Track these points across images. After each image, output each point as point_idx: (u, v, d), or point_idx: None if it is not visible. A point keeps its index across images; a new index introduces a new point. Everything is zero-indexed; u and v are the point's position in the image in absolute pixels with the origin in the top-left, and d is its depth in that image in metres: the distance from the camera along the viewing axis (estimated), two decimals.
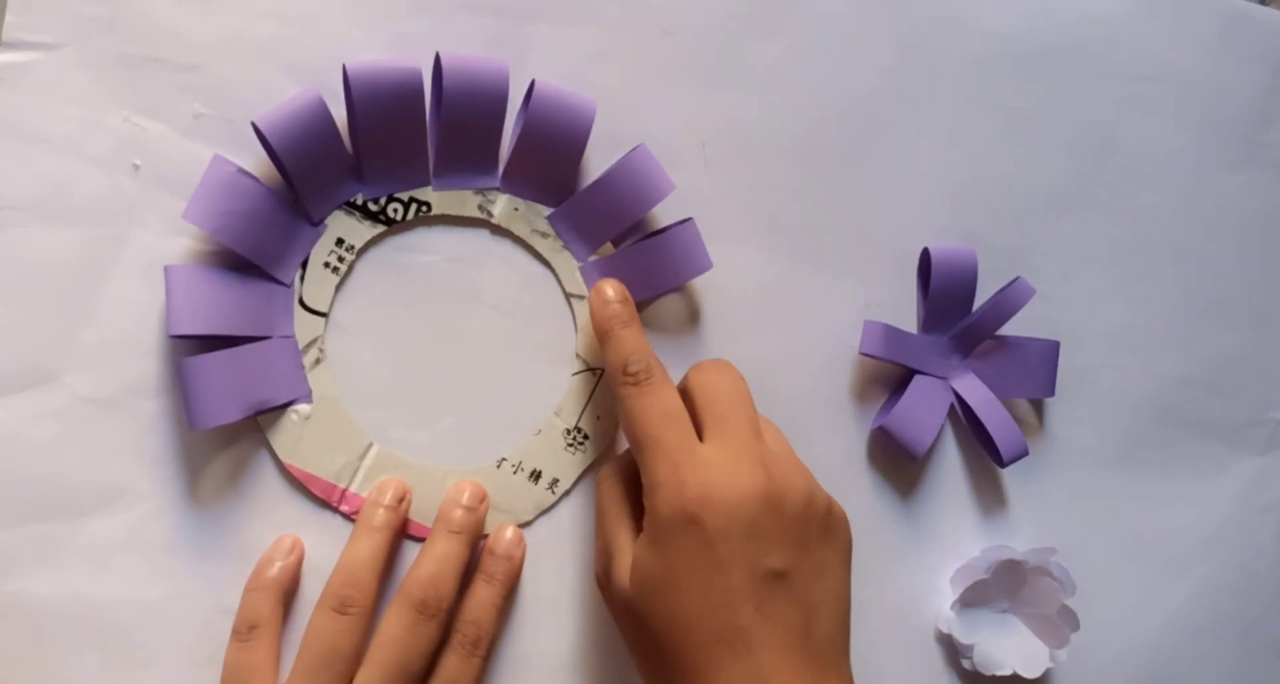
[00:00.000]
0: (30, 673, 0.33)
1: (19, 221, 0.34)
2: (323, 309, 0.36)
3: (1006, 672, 0.41)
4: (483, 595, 0.35)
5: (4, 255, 0.34)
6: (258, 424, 0.35)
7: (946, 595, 0.42)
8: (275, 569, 0.34)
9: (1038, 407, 0.44)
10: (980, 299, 0.43)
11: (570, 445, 0.38)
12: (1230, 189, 0.47)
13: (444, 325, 0.38)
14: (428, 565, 0.34)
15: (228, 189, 0.34)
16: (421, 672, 0.34)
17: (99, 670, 0.34)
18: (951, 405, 0.42)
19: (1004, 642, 0.42)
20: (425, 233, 0.37)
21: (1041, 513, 0.44)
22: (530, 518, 0.38)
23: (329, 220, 0.36)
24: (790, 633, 0.30)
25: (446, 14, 0.38)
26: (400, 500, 0.36)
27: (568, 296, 0.39)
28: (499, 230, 0.38)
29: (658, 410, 0.32)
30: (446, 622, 0.34)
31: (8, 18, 0.34)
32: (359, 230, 0.37)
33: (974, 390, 0.42)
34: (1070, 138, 0.45)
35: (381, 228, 0.37)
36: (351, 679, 0.33)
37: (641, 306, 0.39)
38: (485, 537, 0.37)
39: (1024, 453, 0.42)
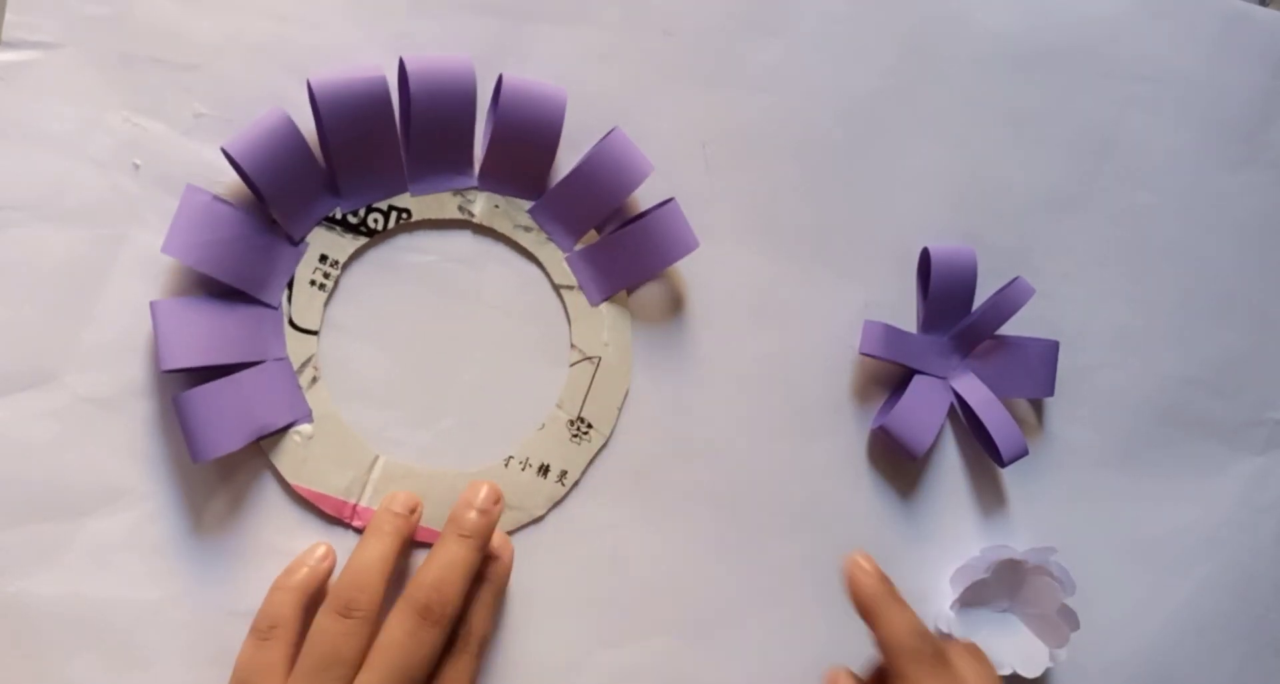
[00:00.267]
0: (30, 673, 0.33)
1: (19, 221, 0.34)
2: (313, 328, 0.36)
3: (1006, 672, 0.41)
4: (473, 594, 0.35)
5: (4, 255, 0.34)
6: (259, 445, 0.35)
7: (946, 595, 0.42)
8: (304, 572, 0.34)
9: (1038, 407, 0.44)
10: (980, 299, 0.43)
11: (575, 436, 0.38)
12: (1230, 189, 0.47)
13: (437, 327, 0.38)
14: (434, 570, 0.34)
15: (204, 219, 0.33)
16: (423, 678, 0.33)
17: (99, 671, 0.34)
18: (951, 405, 0.42)
19: (1004, 641, 0.42)
20: (407, 239, 0.37)
21: (1041, 513, 0.44)
22: (543, 512, 0.38)
23: (310, 238, 0.36)
24: None
25: (446, 14, 0.38)
26: (412, 511, 0.35)
27: (557, 288, 0.39)
28: (481, 229, 0.38)
29: None
30: (450, 628, 0.34)
31: (8, 17, 0.34)
32: (341, 244, 0.36)
33: (974, 390, 0.42)
34: (1070, 138, 0.45)
35: (364, 240, 0.37)
36: (352, 683, 0.33)
37: (632, 290, 0.39)
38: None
39: (1024, 453, 0.42)
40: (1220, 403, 0.47)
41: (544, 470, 0.38)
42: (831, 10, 0.42)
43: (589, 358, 0.39)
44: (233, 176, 0.35)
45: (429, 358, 0.37)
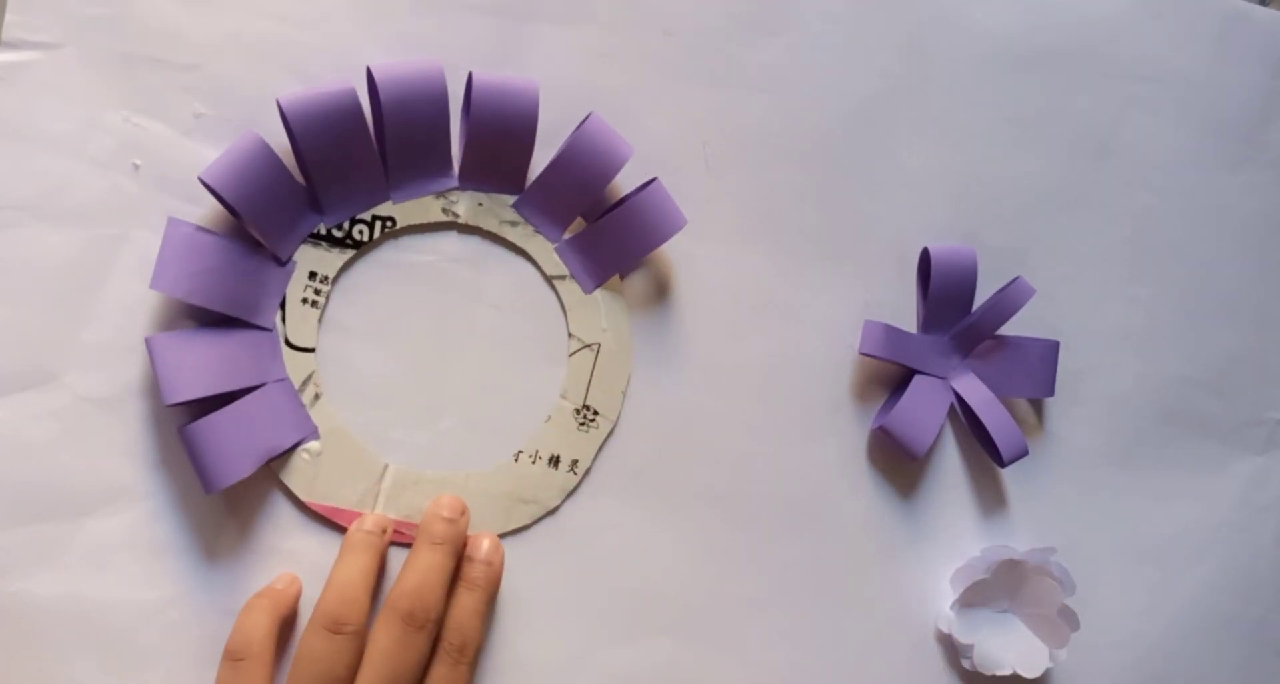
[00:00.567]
0: (30, 673, 0.33)
1: (19, 221, 0.34)
2: (310, 346, 0.36)
3: (1006, 671, 0.41)
4: (465, 602, 0.35)
5: (4, 255, 0.34)
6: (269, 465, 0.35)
7: (946, 595, 0.42)
8: (275, 593, 0.34)
9: (1038, 407, 0.44)
10: (980, 299, 0.43)
11: (582, 424, 0.38)
12: (1230, 189, 0.47)
13: (433, 328, 0.38)
14: (413, 577, 0.34)
15: (189, 250, 0.33)
16: (414, 683, 0.34)
17: (99, 671, 0.34)
18: (951, 405, 0.42)
19: (1004, 641, 0.42)
20: (395, 246, 0.37)
21: (1041, 513, 0.44)
22: (558, 503, 0.38)
23: (297, 256, 0.36)
24: None
25: (447, 14, 0.38)
26: (383, 531, 0.36)
27: (549, 279, 0.39)
28: (468, 229, 0.38)
29: None
30: (435, 632, 0.34)
31: (8, 18, 0.34)
32: (329, 259, 0.36)
33: (974, 390, 0.42)
34: (1070, 138, 0.45)
35: (351, 252, 0.37)
36: None
37: (625, 275, 0.39)
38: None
39: (1024, 453, 0.42)
40: (1220, 403, 0.47)
41: (554, 461, 0.38)
42: (831, 10, 0.42)
43: (588, 345, 0.39)
44: (213, 203, 0.35)
45: (429, 359, 0.37)
